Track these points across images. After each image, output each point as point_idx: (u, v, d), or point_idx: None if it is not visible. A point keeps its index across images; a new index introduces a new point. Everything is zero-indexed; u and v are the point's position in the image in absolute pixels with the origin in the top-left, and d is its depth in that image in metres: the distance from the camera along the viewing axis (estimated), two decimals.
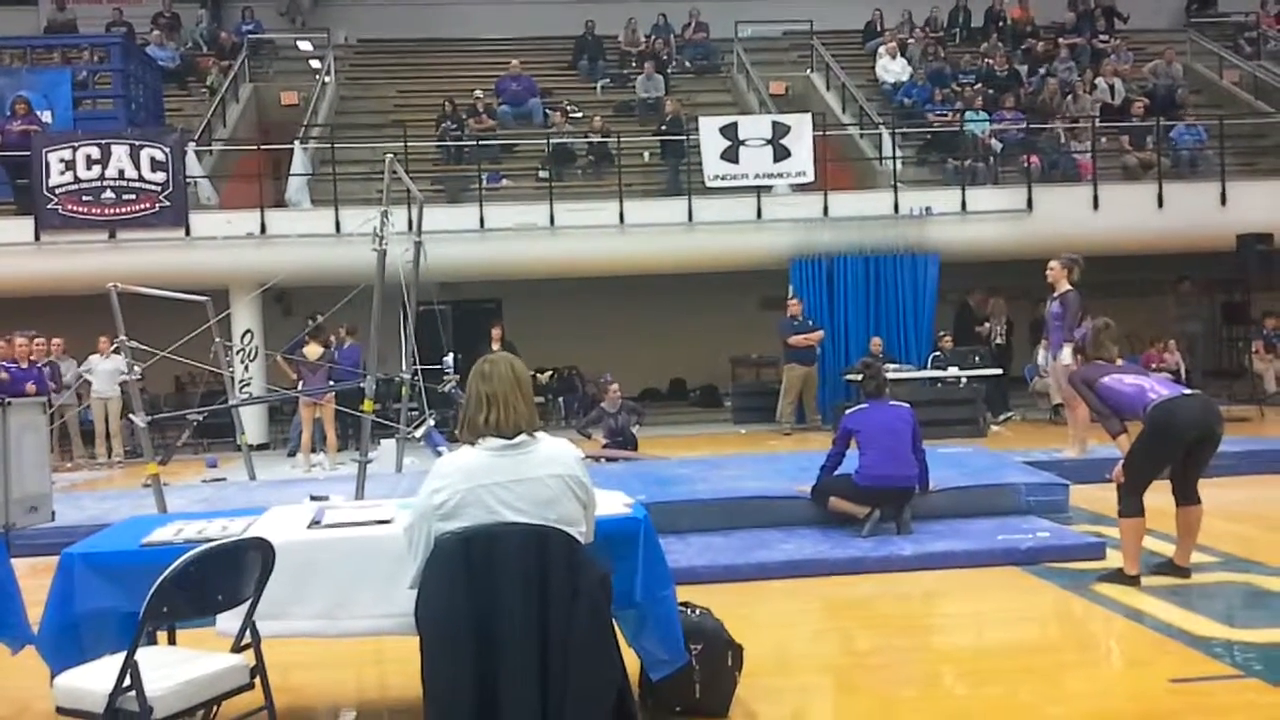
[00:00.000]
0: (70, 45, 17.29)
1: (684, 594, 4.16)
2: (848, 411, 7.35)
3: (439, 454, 7.46)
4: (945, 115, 16.62)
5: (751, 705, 4.15)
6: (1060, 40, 19.26)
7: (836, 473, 7.01)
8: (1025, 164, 14.99)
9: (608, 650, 3.20)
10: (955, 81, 17.82)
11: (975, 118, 15.94)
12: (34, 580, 4.21)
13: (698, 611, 4.12)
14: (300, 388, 11.73)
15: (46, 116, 14.81)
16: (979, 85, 17.36)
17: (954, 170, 15.30)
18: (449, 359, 12.72)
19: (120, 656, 3.09)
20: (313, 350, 11.81)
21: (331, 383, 11.50)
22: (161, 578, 3.00)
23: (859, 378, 7.93)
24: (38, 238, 13.36)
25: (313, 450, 12.11)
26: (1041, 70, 18.21)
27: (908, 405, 7.19)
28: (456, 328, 14.83)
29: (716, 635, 4.05)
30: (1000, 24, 20.10)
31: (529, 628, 3.02)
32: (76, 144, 13.42)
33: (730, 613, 4.38)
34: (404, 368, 8.54)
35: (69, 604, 3.53)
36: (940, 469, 7.47)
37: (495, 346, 14.05)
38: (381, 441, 10.40)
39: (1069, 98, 17.12)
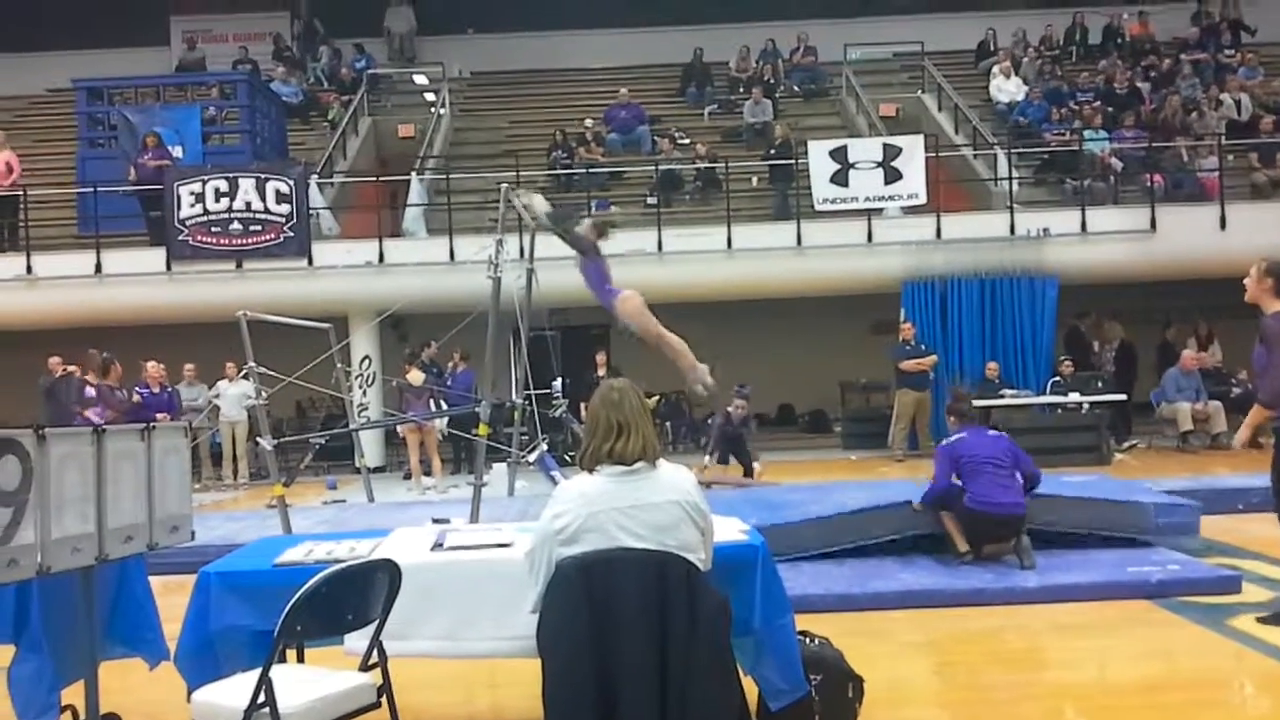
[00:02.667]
0: (199, 83, 18.06)
1: (798, 622, 4.10)
2: (944, 442, 7.23)
3: (552, 478, 7.54)
4: (1063, 134, 16.22)
5: None
6: (1183, 56, 18.66)
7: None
8: (1148, 183, 14.52)
9: (727, 677, 3.19)
10: (1073, 100, 17.39)
11: (1094, 136, 15.53)
12: (165, 598, 4.36)
13: (817, 641, 4.06)
14: (406, 413, 11.98)
15: (178, 152, 15.51)
16: (1098, 103, 16.90)
17: (1072, 191, 14.90)
18: (557, 384, 12.86)
19: (251, 674, 3.19)
20: (415, 376, 12.06)
21: (437, 407, 11.71)
22: (295, 597, 3.09)
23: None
24: (169, 267, 13.97)
25: (424, 474, 12.34)
26: (1164, 87, 17.65)
27: (1003, 435, 7.05)
28: (564, 353, 14.98)
29: (836, 665, 3.98)
30: (1119, 40, 19.58)
31: (649, 653, 3.01)
32: (206, 178, 14.03)
33: (846, 642, 4.31)
34: (514, 393, 8.67)
35: (204, 621, 3.65)
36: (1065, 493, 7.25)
37: (601, 373, 14.19)
38: (493, 465, 10.56)
39: (1193, 114, 16.54)
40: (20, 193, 14.62)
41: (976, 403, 12.73)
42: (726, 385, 15.98)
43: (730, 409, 11.74)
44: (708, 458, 11.65)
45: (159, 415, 11.96)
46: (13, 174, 14.87)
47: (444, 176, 15.36)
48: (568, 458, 11.54)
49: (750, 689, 3.56)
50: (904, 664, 5.25)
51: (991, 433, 7.06)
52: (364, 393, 14.09)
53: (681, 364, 7.06)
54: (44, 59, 20.41)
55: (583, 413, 12.54)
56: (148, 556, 3.58)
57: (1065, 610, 6.04)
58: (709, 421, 11.90)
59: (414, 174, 15.60)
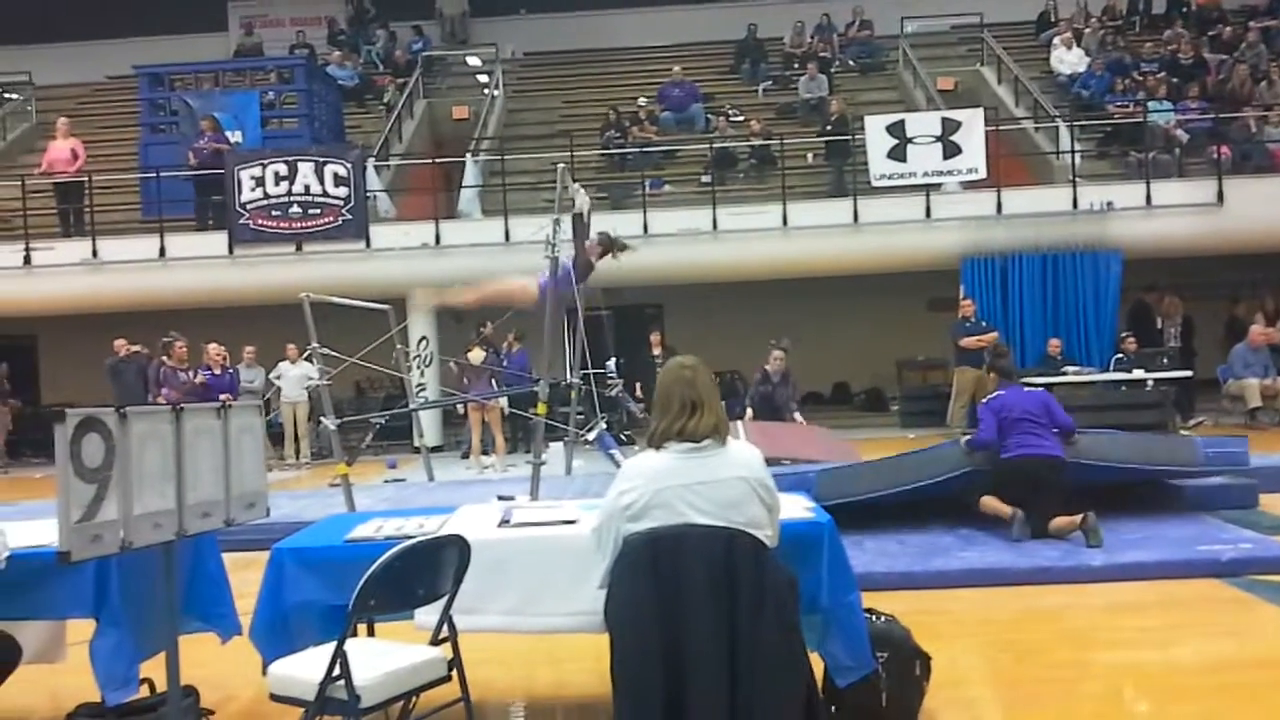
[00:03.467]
0: (257, 68, 18.27)
1: (862, 600, 4.08)
2: (984, 400, 7.52)
3: (611, 457, 7.56)
4: (1126, 106, 15.88)
5: (938, 717, 4.04)
6: (1251, 24, 18.14)
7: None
8: (1215, 155, 14.16)
9: (796, 654, 3.18)
10: (1136, 71, 17.00)
11: (1159, 108, 15.17)
12: (234, 574, 4.44)
13: (883, 619, 4.04)
14: (469, 391, 12.08)
15: (237, 136, 15.75)
16: (1162, 74, 16.51)
17: (1136, 164, 14.59)
18: (611, 363, 12.88)
19: (326, 647, 3.25)
20: (476, 355, 12.16)
21: (497, 386, 11.80)
22: (369, 573, 3.13)
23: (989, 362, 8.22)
24: (231, 251, 14.19)
25: (483, 453, 12.45)
26: (1230, 56, 17.18)
27: (1038, 390, 7.50)
28: (617, 332, 15.02)
29: (904, 643, 3.96)
30: (1184, 9, 19.09)
31: (717, 629, 3.01)
32: (266, 161, 14.22)
33: (910, 620, 4.28)
34: (568, 372, 8.69)
35: (279, 596, 3.72)
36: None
37: (656, 352, 14.19)
38: (550, 444, 10.62)
39: (1262, 84, 16.09)
40: (85, 179, 14.92)
41: (1038, 380, 12.66)
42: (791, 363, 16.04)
43: (767, 365, 11.58)
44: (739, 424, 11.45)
45: (221, 396, 12.18)
46: (78, 160, 15.19)
47: (498, 157, 15.43)
48: (623, 436, 11.57)
49: (817, 666, 3.55)
50: (969, 643, 5.21)
51: (1028, 390, 7.41)
52: (421, 373, 14.27)
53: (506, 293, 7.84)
54: (105, 47, 20.80)
55: (638, 392, 12.62)
56: (221, 533, 3.65)
57: (1132, 589, 5.95)
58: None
59: (469, 155, 15.68)
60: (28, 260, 14.32)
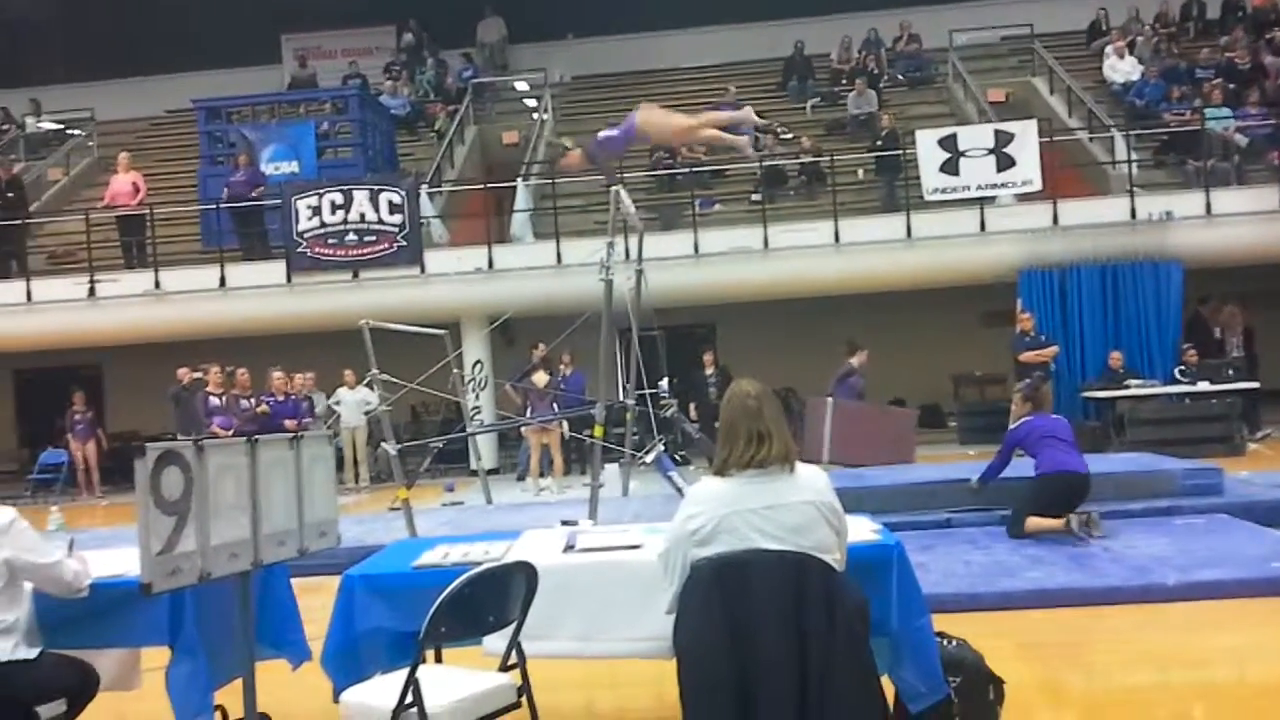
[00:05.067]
0: (312, 99, 18.58)
1: None
2: (1012, 427, 7.85)
3: (670, 479, 7.55)
4: (1183, 114, 15.62)
5: None
6: None
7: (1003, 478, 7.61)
8: (1275, 162, 13.89)
9: (867, 679, 3.14)
10: (1192, 77, 16.74)
11: (1217, 114, 14.91)
12: (300, 600, 4.48)
13: (954, 642, 3.98)
14: (529, 414, 12.14)
15: (294, 167, 16.01)
16: (1218, 79, 16.23)
17: (1195, 172, 14.34)
18: (664, 383, 12.88)
19: (396, 674, 3.27)
20: (540, 378, 12.24)
21: (556, 409, 11.85)
22: (440, 600, 3.16)
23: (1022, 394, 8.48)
24: (289, 279, 14.41)
25: (540, 475, 12.50)
26: None
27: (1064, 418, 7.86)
28: (669, 352, 15.00)
29: (976, 667, 3.90)
30: (1240, 14, 18.76)
31: (787, 654, 2.99)
32: (322, 191, 14.43)
33: (979, 643, 4.21)
34: (621, 393, 8.70)
35: (350, 624, 3.75)
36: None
37: (709, 371, 14.18)
38: (606, 466, 10.63)
39: None
40: (147, 211, 15.25)
41: (1101, 394, 12.48)
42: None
43: (855, 360, 11.76)
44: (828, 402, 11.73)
45: (286, 422, 12.37)
46: (139, 193, 15.53)
47: (549, 181, 15.53)
48: (678, 457, 11.55)
49: (888, 691, 3.51)
50: (1040, 665, 5.11)
51: (1054, 416, 7.75)
52: (476, 396, 14.38)
53: (728, 140, 8.00)
54: (163, 82, 21.27)
55: (692, 412, 12.62)
56: (291, 560, 3.69)
57: (1206, 608, 5.82)
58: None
59: (519, 180, 15.80)
60: (92, 291, 14.64)
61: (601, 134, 7.95)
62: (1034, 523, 7.21)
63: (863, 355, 12.41)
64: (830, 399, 11.79)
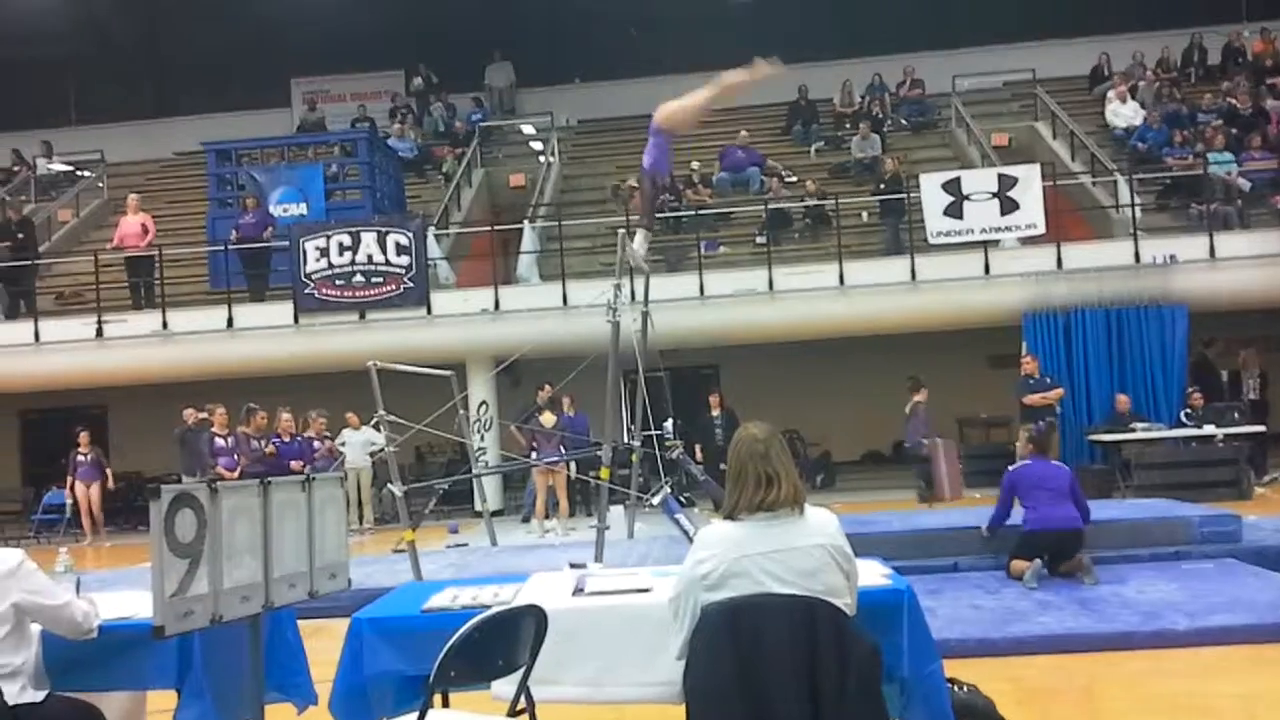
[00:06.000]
0: (320, 142, 18.75)
1: None
2: (1011, 468, 7.88)
3: (677, 522, 7.53)
4: (1185, 158, 15.73)
5: None
6: None
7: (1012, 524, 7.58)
8: (1279, 205, 13.96)
9: None
10: (1194, 122, 16.87)
11: (1220, 158, 15.01)
12: (305, 642, 4.46)
13: (965, 688, 3.97)
14: (535, 456, 12.13)
15: (302, 209, 16.12)
16: (1220, 123, 16.36)
17: (1198, 215, 14.41)
18: (669, 425, 12.89)
19: (405, 718, 3.24)
20: (548, 419, 12.24)
21: (563, 450, 11.84)
22: (449, 644, 3.13)
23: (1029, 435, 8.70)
24: (296, 320, 14.46)
25: (546, 516, 12.46)
26: None
27: (1065, 466, 7.77)
28: (674, 393, 15.03)
29: (987, 714, 3.89)
30: (1240, 60, 18.95)
31: (799, 700, 2.96)
32: (330, 233, 14.53)
33: (989, 689, 4.20)
34: (625, 435, 8.70)
35: (359, 667, 3.72)
36: None
37: (714, 413, 14.17)
38: (611, 508, 10.60)
39: None
40: (155, 252, 15.35)
41: (1106, 437, 12.46)
42: (845, 422, 15.97)
43: (918, 397, 12.47)
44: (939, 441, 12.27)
45: (292, 464, 12.36)
46: (148, 235, 15.63)
47: (555, 223, 15.62)
48: (683, 499, 11.52)
49: None
50: (1050, 711, 5.08)
51: (1054, 463, 7.70)
52: (482, 437, 14.36)
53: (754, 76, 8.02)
54: (173, 124, 21.53)
55: (698, 454, 12.62)
56: (300, 603, 3.68)
57: (1217, 654, 5.77)
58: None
59: (526, 222, 15.90)
60: (100, 332, 14.69)
61: (645, 161, 8.07)
62: (1017, 566, 7.30)
63: (924, 393, 12.81)
64: (940, 439, 12.40)
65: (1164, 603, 6.36)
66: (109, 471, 14.61)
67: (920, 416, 12.78)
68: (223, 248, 15.20)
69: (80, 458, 14.41)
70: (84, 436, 14.58)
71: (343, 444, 13.88)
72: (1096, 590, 6.84)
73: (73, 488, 14.35)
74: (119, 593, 4.23)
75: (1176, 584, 6.90)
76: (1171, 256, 13.38)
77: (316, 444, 13.36)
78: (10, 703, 3.34)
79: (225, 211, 16.56)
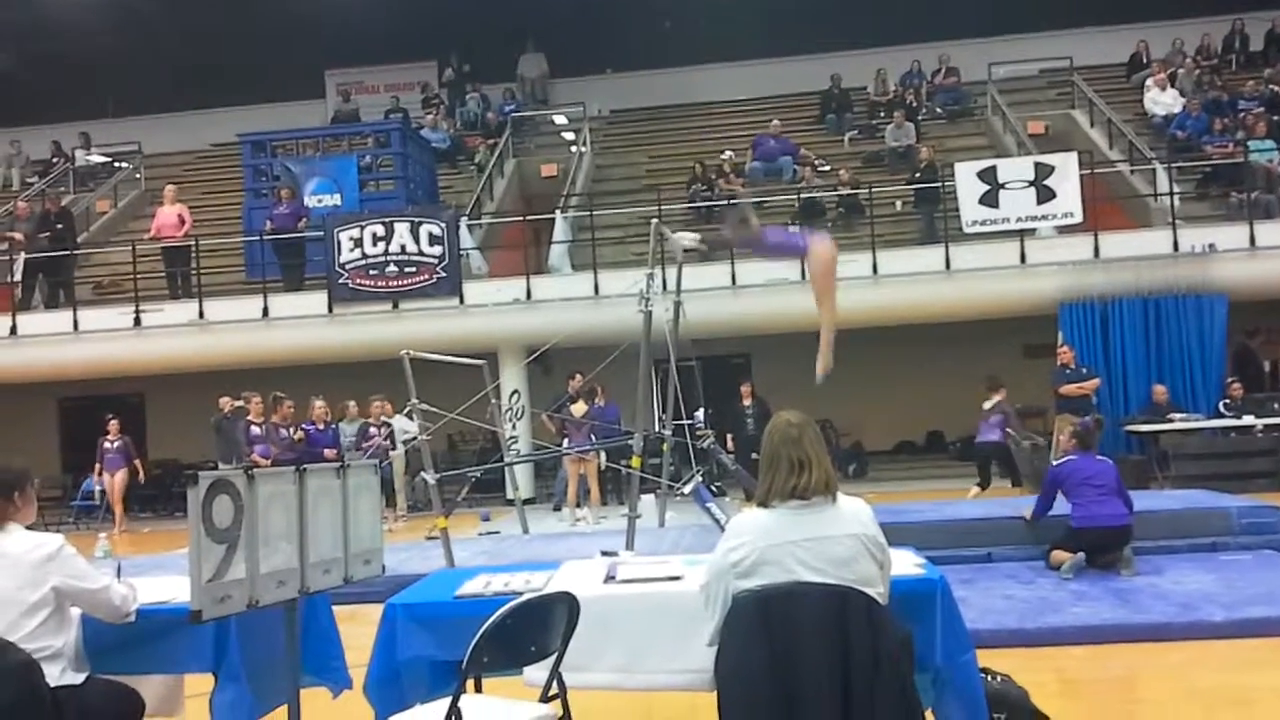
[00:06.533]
0: (354, 133, 18.84)
1: None
2: (1055, 463, 7.93)
3: (709, 510, 7.53)
4: (1225, 146, 15.50)
5: None
6: None
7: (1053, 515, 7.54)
8: None
9: (912, 715, 3.11)
10: (1234, 110, 16.61)
11: (1260, 146, 14.77)
12: (339, 628, 4.50)
13: (999, 678, 3.94)
14: (566, 444, 12.16)
15: (337, 199, 16.22)
16: (1262, 112, 16.09)
17: (1238, 204, 14.19)
18: (700, 414, 12.86)
19: (437, 704, 3.27)
20: (579, 408, 12.27)
21: (594, 439, 11.86)
22: (482, 629, 3.16)
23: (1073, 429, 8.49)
24: (330, 310, 14.57)
25: (577, 504, 12.50)
26: None
27: (1109, 461, 7.66)
28: (705, 383, 15.00)
29: (1021, 704, 3.86)
30: None
31: (831, 689, 2.96)
32: (364, 223, 14.61)
33: (1023, 679, 4.18)
34: (656, 424, 8.70)
35: (392, 652, 3.76)
36: None
37: (746, 403, 14.14)
38: (643, 496, 10.62)
39: None
40: (192, 243, 15.51)
41: (1144, 427, 12.32)
42: (878, 412, 15.85)
43: (998, 396, 12.27)
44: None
45: (325, 451, 12.46)
46: (184, 225, 15.79)
47: (587, 213, 15.63)
48: (714, 488, 11.50)
49: None
50: (1086, 703, 5.04)
51: (1100, 459, 7.58)
52: (514, 426, 14.41)
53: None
54: (209, 116, 21.69)
55: (729, 443, 12.60)
56: (334, 588, 3.71)
57: (1254, 645, 5.71)
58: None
59: (558, 212, 15.92)
60: (138, 321, 14.88)
61: (769, 238, 8.01)
62: (1057, 557, 7.26)
63: (1003, 392, 12.55)
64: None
65: (1200, 594, 6.29)
66: (137, 461, 14.70)
67: (1003, 414, 12.54)
68: (258, 238, 15.33)
69: (108, 445, 14.48)
70: (114, 425, 14.63)
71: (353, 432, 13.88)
72: (1132, 581, 6.79)
73: (101, 475, 14.52)
74: (157, 578, 4.27)
75: (1213, 575, 6.83)
76: (1210, 245, 13.19)
77: (373, 429, 13.38)
78: (52, 684, 3.40)
79: (261, 202, 16.68)
